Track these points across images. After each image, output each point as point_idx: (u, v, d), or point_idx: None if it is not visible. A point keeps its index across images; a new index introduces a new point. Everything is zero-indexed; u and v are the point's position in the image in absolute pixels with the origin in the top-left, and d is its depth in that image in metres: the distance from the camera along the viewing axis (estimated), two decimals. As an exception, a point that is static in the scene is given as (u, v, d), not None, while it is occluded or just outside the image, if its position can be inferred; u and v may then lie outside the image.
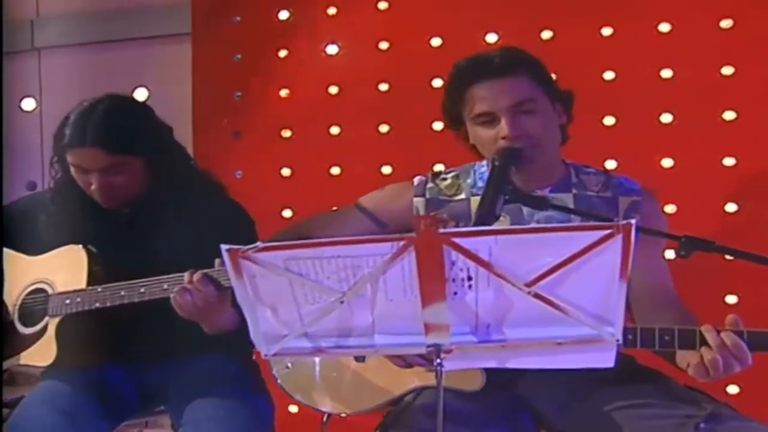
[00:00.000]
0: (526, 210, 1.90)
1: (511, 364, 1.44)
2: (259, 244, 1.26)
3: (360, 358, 1.84)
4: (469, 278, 1.30)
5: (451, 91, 1.91)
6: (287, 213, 3.09)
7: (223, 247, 1.27)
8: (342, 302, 1.32)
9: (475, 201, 1.93)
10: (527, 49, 1.92)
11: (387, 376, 1.85)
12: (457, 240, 1.25)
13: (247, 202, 2.23)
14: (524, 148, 1.80)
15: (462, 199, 1.96)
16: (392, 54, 2.97)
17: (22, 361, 2.08)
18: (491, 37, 2.83)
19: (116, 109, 2.08)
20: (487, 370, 1.77)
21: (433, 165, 2.47)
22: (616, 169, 2.59)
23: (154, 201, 2.12)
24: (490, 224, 1.59)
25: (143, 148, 2.07)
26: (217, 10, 3.19)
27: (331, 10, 3.07)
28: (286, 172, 3.13)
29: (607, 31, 2.77)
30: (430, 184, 2.01)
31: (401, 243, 1.26)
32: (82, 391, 1.99)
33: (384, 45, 2.96)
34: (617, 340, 1.33)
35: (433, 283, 1.28)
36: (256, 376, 2.14)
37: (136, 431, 2.45)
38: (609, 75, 2.77)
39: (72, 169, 2.06)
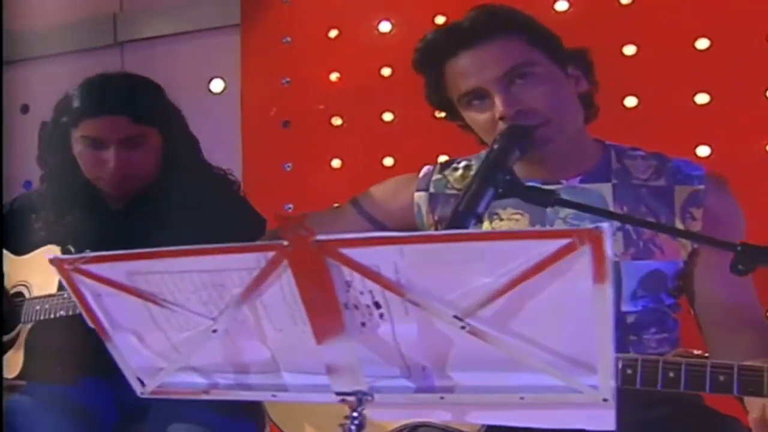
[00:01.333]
0: (550, 207, 1.46)
1: (472, 419, 1.04)
2: (88, 253, 0.92)
3: None
4: (377, 305, 0.90)
5: (425, 71, 1.53)
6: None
7: (47, 256, 0.94)
8: (215, 331, 0.96)
9: None
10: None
11: None
12: (345, 251, 0.86)
13: (298, 198, 2.18)
14: (532, 127, 1.39)
15: None
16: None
17: None
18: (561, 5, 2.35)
19: (135, 79, 1.92)
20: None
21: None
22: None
23: (160, 193, 1.88)
24: (466, 227, 1.17)
25: (163, 121, 1.88)
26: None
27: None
28: (336, 163, 2.79)
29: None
30: (436, 176, 1.63)
31: (270, 254, 0.87)
32: (53, 410, 1.75)
33: (440, 19, 2.54)
34: (603, 399, 0.90)
35: (321, 310, 0.90)
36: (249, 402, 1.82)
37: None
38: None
39: (79, 147, 1.82)
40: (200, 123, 2.03)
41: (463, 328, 0.87)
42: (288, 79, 2.85)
